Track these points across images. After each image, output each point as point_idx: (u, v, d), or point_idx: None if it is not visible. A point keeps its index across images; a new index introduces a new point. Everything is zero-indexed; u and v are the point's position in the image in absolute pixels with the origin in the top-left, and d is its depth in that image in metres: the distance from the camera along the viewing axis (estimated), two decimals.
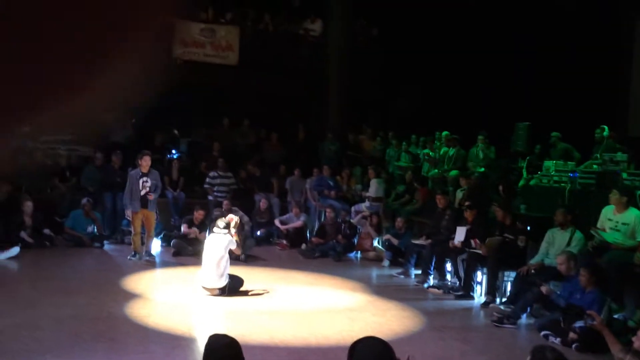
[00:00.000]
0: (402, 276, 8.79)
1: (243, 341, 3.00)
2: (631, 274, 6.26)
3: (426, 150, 12.45)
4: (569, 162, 8.90)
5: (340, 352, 2.32)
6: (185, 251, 9.44)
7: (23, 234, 9.14)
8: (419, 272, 8.62)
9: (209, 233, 7.87)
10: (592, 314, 5.18)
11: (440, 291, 7.89)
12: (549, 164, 8.95)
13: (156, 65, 0.62)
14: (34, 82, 0.54)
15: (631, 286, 6.29)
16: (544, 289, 6.21)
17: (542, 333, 6.00)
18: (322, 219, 11.23)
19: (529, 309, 6.54)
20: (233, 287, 6.98)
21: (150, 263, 8.68)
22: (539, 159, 10.07)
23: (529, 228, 7.70)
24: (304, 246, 10.42)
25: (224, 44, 14.04)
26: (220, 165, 11.53)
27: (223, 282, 6.90)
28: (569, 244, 6.89)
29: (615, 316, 6.03)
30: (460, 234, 8.08)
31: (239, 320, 6.13)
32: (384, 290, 7.96)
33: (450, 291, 7.81)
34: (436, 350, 5.72)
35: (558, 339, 5.73)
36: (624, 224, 6.59)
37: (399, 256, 9.41)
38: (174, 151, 12.51)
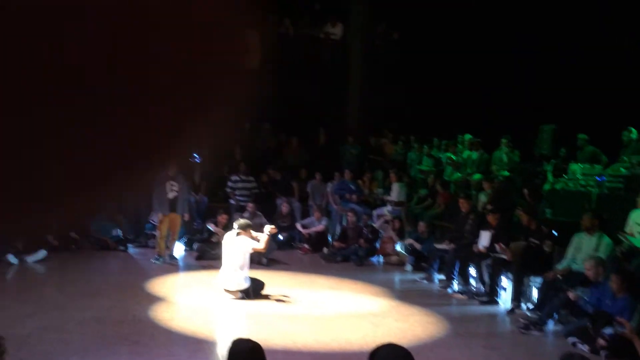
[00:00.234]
0: (425, 281, 8.71)
1: (265, 345, 2.99)
2: None
3: (449, 154, 12.33)
4: (596, 166, 8.74)
5: (364, 357, 2.29)
6: (208, 255, 9.48)
7: (49, 238, 9.27)
8: (442, 277, 8.54)
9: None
10: (622, 322, 5.07)
11: (465, 297, 7.80)
12: (575, 167, 8.80)
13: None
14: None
15: None
16: (571, 295, 6.10)
17: (570, 340, 5.88)
18: (344, 223, 11.19)
19: (556, 315, 6.43)
20: (255, 290, 6.99)
21: (173, 266, 8.74)
22: (564, 162, 9.90)
23: (555, 233, 7.58)
24: (325, 250, 10.39)
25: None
26: (242, 169, 11.57)
27: (244, 284, 6.91)
28: (596, 249, 6.76)
29: None
30: (484, 238, 7.98)
31: (261, 324, 6.14)
32: (407, 295, 7.89)
33: (475, 297, 7.71)
34: (461, 357, 5.65)
35: (586, 346, 5.61)
36: None
37: (421, 261, 9.33)
38: (196, 155, 12.59)
